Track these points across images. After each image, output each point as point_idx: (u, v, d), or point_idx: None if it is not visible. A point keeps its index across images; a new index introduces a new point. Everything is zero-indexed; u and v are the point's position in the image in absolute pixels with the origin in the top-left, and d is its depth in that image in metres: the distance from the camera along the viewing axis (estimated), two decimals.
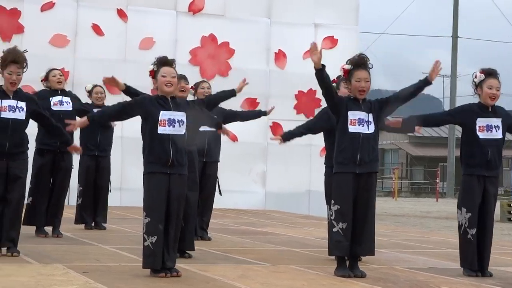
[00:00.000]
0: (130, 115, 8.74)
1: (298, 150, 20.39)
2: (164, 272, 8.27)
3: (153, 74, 8.43)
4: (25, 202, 10.75)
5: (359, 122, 8.62)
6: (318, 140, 10.12)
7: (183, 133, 8.33)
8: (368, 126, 8.65)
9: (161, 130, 8.25)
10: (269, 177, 21.25)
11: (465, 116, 9.13)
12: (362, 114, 8.65)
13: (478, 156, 8.98)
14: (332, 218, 8.69)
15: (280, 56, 21.34)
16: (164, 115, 8.25)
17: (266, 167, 21.23)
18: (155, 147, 8.25)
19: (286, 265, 9.63)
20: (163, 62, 8.43)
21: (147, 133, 8.36)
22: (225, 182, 12.62)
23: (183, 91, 9.52)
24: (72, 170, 12.12)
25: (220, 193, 12.46)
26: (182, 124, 8.31)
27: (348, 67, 8.77)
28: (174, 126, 8.29)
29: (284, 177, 21.00)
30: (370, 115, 8.67)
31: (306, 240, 12.87)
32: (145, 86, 19.32)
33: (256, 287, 7.79)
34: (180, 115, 8.31)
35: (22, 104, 9.67)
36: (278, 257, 10.42)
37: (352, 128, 8.62)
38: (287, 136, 10.43)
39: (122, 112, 8.75)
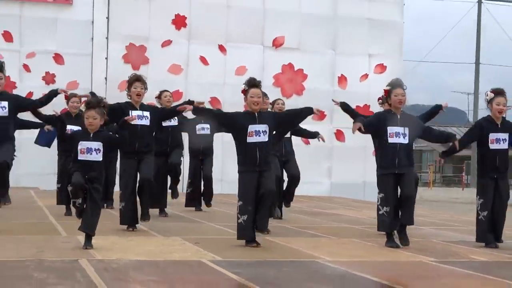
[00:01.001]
0: (224, 122, 8.73)
1: (356, 150, 20.28)
2: (255, 243, 8.31)
3: (244, 92, 8.43)
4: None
5: (396, 135, 8.55)
6: (370, 143, 10.03)
7: (267, 140, 8.32)
8: (404, 138, 8.57)
9: (249, 139, 8.26)
10: (334, 171, 21.17)
11: (479, 135, 9.06)
12: (400, 129, 8.57)
13: (489, 162, 8.91)
14: (378, 203, 8.65)
15: (342, 79, 21.24)
16: (252, 127, 8.26)
17: (331, 163, 21.15)
18: (246, 152, 8.26)
19: (348, 238, 9.60)
20: (252, 83, 8.41)
21: (239, 141, 8.37)
22: (301, 175, 12.54)
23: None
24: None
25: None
26: (266, 134, 8.30)
27: (387, 88, 8.71)
28: (259, 136, 8.28)
29: (345, 171, 20.90)
30: (406, 129, 8.58)
31: (362, 219, 12.80)
32: (240, 102, 19.54)
33: (325, 255, 7.77)
34: (264, 127, 8.30)
35: (147, 114, 9.77)
36: (341, 232, 10.38)
37: (391, 140, 8.55)
38: (346, 106, 10.10)
39: (222, 116, 8.72)
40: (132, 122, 9.16)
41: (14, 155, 9.85)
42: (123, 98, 9.98)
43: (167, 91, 12.29)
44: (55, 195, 12.34)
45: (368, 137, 9.67)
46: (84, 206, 7.74)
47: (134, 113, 9.57)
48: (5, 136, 9.32)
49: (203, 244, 8.32)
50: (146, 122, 9.71)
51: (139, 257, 7.27)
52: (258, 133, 8.23)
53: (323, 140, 12.71)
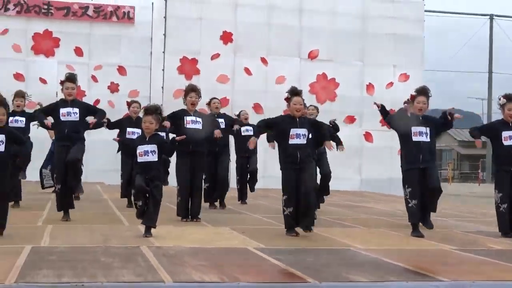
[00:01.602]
0: (271, 127, 8.64)
1: (383, 150, 20.12)
2: (295, 233, 8.23)
3: (288, 100, 8.36)
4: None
5: (419, 134, 8.44)
6: (396, 143, 9.83)
7: (305, 142, 8.23)
8: (426, 136, 8.45)
9: (291, 141, 8.19)
10: (363, 168, 21.00)
11: (491, 131, 8.94)
12: (422, 129, 8.45)
13: (504, 158, 8.71)
14: (407, 197, 8.51)
15: (370, 87, 21.06)
16: (293, 131, 8.20)
17: (361, 161, 20.97)
18: (287, 152, 8.20)
19: (377, 228, 9.46)
20: (295, 92, 8.35)
21: (282, 142, 8.31)
22: (334, 172, 12.43)
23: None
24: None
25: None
26: (305, 137, 8.22)
27: (414, 93, 8.58)
28: (300, 138, 8.21)
29: (373, 168, 20.72)
30: (428, 128, 8.46)
31: (390, 212, 12.63)
32: (279, 107, 19.46)
33: (358, 243, 7.66)
34: (304, 131, 8.22)
35: (200, 119, 9.77)
36: (371, 223, 10.25)
37: (414, 138, 8.43)
38: (384, 109, 9.92)
39: (270, 122, 8.62)
40: (187, 126, 9.43)
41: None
42: (178, 105, 10.01)
43: (216, 98, 12.30)
44: (118, 189, 12.38)
45: (394, 138, 9.50)
46: (145, 208, 7.74)
47: (188, 118, 9.67)
48: (77, 137, 9.38)
49: (249, 233, 8.26)
50: (199, 126, 9.74)
51: (192, 244, 7.23)
52: (299, 136, 8.18)
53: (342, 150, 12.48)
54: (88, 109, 9.64)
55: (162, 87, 19.38)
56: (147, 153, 7.82)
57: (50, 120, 9.40)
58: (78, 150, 9.35)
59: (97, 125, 10.14)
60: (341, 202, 14.72)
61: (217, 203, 12.12)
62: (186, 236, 7.97)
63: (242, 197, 13.25)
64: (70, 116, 9.30)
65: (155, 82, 20.28)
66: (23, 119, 11.21)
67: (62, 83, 9.40)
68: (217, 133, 10.22)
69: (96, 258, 6.11)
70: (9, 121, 9.72)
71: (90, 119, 9.66)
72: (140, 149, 7.84)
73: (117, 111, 19.97)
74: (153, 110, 7.98)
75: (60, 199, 9.39)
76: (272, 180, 17.51)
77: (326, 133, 8.71)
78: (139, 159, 7.84)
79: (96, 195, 14.49)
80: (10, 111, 10.39)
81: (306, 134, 8.20)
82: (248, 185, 13.36)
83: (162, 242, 7.25)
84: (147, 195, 7.74)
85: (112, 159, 18.16)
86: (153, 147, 7.85)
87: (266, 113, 19.63)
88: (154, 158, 7.84)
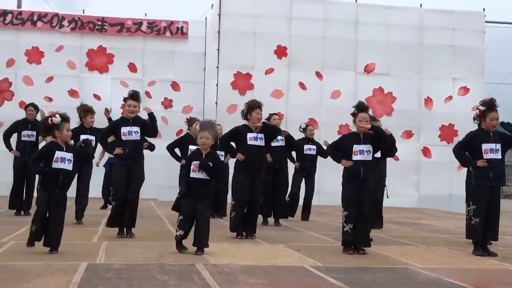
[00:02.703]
0: (337, 149, 8.61)
1: (442, 165, 19.86)
2: (352, 250, 8.19)
3: (354, 115, 8.31)
4: None
5: (490, 151, 8.33)
6: (455, 159, 9.64)
7: (370, 158, 8.22)
8: (497, 153, 8.34)
9: (354, 157, 8.20)
10: (421, 184, 20.74)
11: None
12: (493, 145, 8.35)
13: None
14: (471, 214, 8.40)
15: (428, 101, 20.83)
16: (356, 147, 8.20)
17: (419, 177, 20.74)
18: (351, 168, 8.20)
19: (436, 246, 9.36)
20: (361, 108, 8.34)
21: (346, 158, 8.29)
22: (391, 188, 12.36)
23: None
24: None
25: (388, 197, 12.23)
26: (369, 153, 8.21)
27: (482, 108, 8.45)
28: (363, 154, 8.21)
29: (431, 184, 20.44)
30: (498, 145, 8.36)
31: (449, 229, 12.45)
32: (334, 122, 19.49)
33: (416, 262, 7.60)
34: (368, 147, 8.22)
35: (261, 135, 9.81)
36: (430, 241, 10.13)
37: (486, 156, 8.33)
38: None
39: (337, 145, 8.58)
40: (249, 143, 9.61)
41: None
42: (232, 120, 10.13)
43: (276, 114, 12.35)
44: (171, 205, 12.48)
45: None
46: (184, 237, 7.87)
47: (251, 135, 9.73)
48: (138, 157, 9.51)
49: (304, 251, 8.27)
50: (261, 143, 9.80)
51: (247, 262, 7.28)
52: (362, 152, 8.19)
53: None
54: (145, 126, 9.72)
55: (216, 102, 19.54)
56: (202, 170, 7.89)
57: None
58: (138, 183, 9.51)
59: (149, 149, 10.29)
60: (398, 219, 14.58)
61: (270, 218, 12.18)
62: (241, 253, 8.02)
63: (304, 213, 13.27)
64: (132, 135, 9.45)
65: (208, 97, 20.48)
66: (93, 137, 11.46)
67: (125, 100, 9.56)
68: (269, 157, 10.16)
69: (152, 276, 6.21)
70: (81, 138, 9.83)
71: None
72: (195, 164, 7.90)
73: (171, 127, 20.33)
74: (209, 126, 8.07)
75: (114, 215, 9.52)
76: (327, 197, 17.53)
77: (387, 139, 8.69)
78: (192, 175, 7.90)
79: (150, 211, 14.68)
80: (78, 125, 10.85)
81: (371, 150, 8.21)
82: (302, 214, 13.32)
83: (217, 260, 7.32)
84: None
85: (165, 176, 18.44)
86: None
87: (322, 127, 19.64)
88: (207, 176, 7.90)
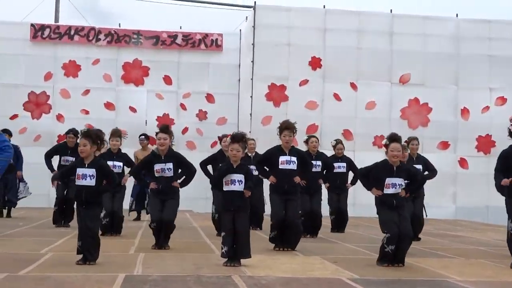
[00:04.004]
0: (368, 176, 8.56)
1: (479, 177, 19.60)
2: (386, 263, 8.14)
3: (386, 146, 8.27)
4: None
5: None
6: (493, 170, 9.50)
7: (399, 191, 8.18)
8: None
9: (386, 190, 8.16)
10: (458, 196, 20.52)
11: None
12: None
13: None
14: (510, 229, 8.33)
15: (465, 111, 20.62)
16: (389, 180, 8.14)
17: (456, 189, 20.52)
18: (383, 198, 8.17)
19: (476, 259, 9.25)
20: (393, 139, 8.28)
21: (377, 186, 8.28)
22: (428, 200, 12.26)
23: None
24: None
25: (426, 215, 12.16)
26: (401, 186, 8.18)
27: None
28: (395, 188, 8.16)
29: (469, 196, 20.20)
30: None
31: (488, 241, 12.29)
32: (369, 133, 19.41)
33: (455, 274, 7.52)
34: (400, 181, 8.20)
35: (294, 159, 9.80)
36: (469, 253, 10.02)
37: None
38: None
39: (369, 171, 8.53)
40: (281, 167, 9.66)
41: None
42: (266, 132, 10.15)
43: (314, 137, 12.35)
44: (206, 217, 12.56)
45: (491, 164, 9.29)
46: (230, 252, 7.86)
47: (283, 158, 9.74)
48: (172, 192, 9.70)
49: (341, 263, 8.24)
50: (294, 166, 9.79)
51: (284, 274, 7.27)
52: (395, 185, 8.17)
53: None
54: (181, 163, 9.79)
55: (250, 114, 19.60)
56: (234, 182, 7.93)
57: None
58: (173, 209, 9.68)
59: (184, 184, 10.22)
60: (436, 231, 14.44)
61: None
62: (277, 265, 8.01)
63: (339, 225, 13.23)
64: (165, 172, 9.60)
65: (243, 109, 20.56)
66: (121, 164, 11.56)
67: (156, 134, 9.72)
68: (297, 179, 10.04)
69: (189, 287, 6.23)
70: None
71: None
72: (227, 178, 7.95)
73: (205, 139, 20.46)
74: (240, 138, 8.10)
75: (153, 234, 9.76)
76: (363, 209, 17.41)
77: (418, 183, 8.78)
78: (225, 188, 7.95)
79: (186, 223, 14.74)
80: (106, 149, 10.85)
81: (403, 184, 8.18)
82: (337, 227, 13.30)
83: (253, 272, 7.32)
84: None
85: (200, 187, 18.51)
86: (241, 176, 7.96)
87: (356, 139, 19.57)
88: (241, 187, 7.93)
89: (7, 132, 15.35)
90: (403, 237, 8.06)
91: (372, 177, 8.38)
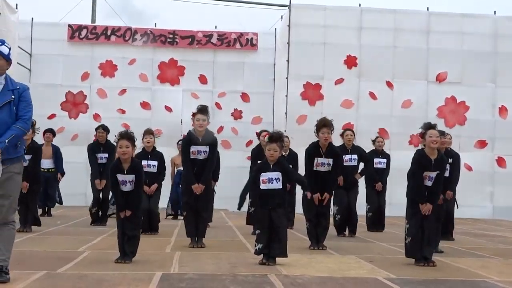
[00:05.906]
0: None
1: None
2: (423, 262, 8.08)
3: (422, 135, 8.22)
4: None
5: None
6: None
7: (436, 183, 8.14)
8: None
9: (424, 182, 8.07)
10: (495, 195, 20.25)
11: None
12: None
13: None
14: None
15: (503, 110, 20.34)
16: (426, 173, 8.10)
17: (493, 188, 20.25)
18: (421, 190, 8.10)
19: None
20: (428, 126, 8.23)
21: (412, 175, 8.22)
22: (464, 199, 12.13)
23: None
24: None
25: (457, 207, 11.93)
26: (436, 179, 8.12)
27: None
28: (431, 181, 8.14)
29: (507, 195, 19.93)
30: None
31: None
32: (404, 132, 19.25)
33: (494, 275, 7.43)
34: (435, 174, 8.12)
35: (330, 161, 9.72)
36: (507, 253, 9.89)
37: None
38: None
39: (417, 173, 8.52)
40: (316, 169, 9.59)
41: None
42: (301, 130, 10.10)
43: (350, 130, 12.29)
44: (241, 215, 12.58)
45: None
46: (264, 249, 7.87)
47: (319, 160, 9.69)
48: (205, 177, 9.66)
49: (377, 262, 8.20)
50: (328, 168, 9.74)
51: (320, 273, 7.25)
52: (431, 178, 8.14)
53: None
54: (213, 149, 9.78)
55: (286, 113, 19.56)
56: (271, 181, 7.94)
57: None
58: (208, 201, 9.77)
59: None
60: (473, 230, 14.28)
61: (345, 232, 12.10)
62: (313, 264, 8.00)
63: (376, 225, 13.14)
64: (200, 154, 9.61)
65: (278, 108, 20.53)
66: (155, 163, 11.62)
67: (194, 114, 9.72)
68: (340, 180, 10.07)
69: (225, 286, 6.25)
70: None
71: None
72: (264, 176, 7.95)
73: (240, 137, 20.48)
74: (278, 138, 8.10)
75: (186, 224, 9.75)
76: (398, 208, 17.25)
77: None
78: (262, 186, 7.96)
79: (222, 222, 14.79)
80: (140, 149, 10.92)
81: (440, 177, 8.11)
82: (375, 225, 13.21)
83: (289, 271, 7.32)
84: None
85: (235, 186, 18.51)
86: (278, 174, 7.96)
87: (392, 138, 19.42)
88: (278, 185, 7.94)
89: (51, 132, 15.58)
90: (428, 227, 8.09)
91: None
